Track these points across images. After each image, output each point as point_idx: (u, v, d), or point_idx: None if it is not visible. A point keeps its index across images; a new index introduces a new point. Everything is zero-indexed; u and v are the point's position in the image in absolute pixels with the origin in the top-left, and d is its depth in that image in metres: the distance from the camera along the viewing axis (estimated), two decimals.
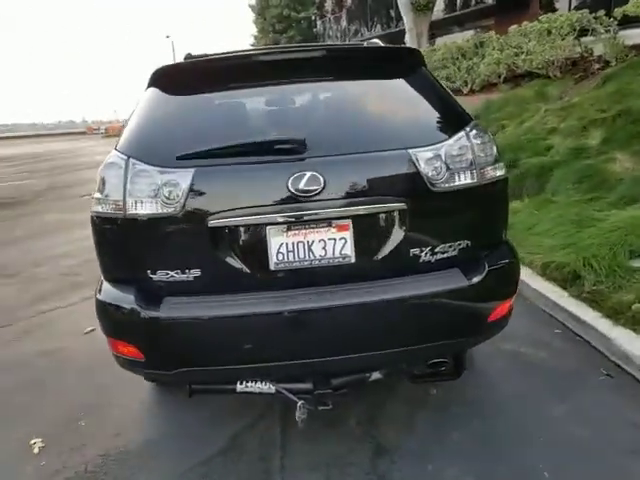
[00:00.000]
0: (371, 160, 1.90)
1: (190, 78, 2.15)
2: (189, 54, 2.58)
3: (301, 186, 1.79)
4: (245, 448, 2.25)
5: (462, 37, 12.31)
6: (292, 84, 2.23)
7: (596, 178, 4.81)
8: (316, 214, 1.84)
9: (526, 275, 3.68)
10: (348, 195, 1.86)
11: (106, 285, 1.98)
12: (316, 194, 1.80)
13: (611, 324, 2.79)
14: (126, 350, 1.92)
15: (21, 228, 7.22)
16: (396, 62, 2.27)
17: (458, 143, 1.95)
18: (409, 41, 15.95)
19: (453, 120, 2.07)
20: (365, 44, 2.64)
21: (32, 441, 2.34)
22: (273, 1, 28.43)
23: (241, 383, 2.02)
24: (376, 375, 2.09)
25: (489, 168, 1.99)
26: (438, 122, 2.08)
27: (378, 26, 24.29)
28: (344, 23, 26.77)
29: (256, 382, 2.02)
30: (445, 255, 1.95)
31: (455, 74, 10.99)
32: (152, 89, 2.14)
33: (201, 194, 1.83)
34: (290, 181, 1.79)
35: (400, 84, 2.24)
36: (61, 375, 2.96)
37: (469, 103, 9.86)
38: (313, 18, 28.92)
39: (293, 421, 2.07)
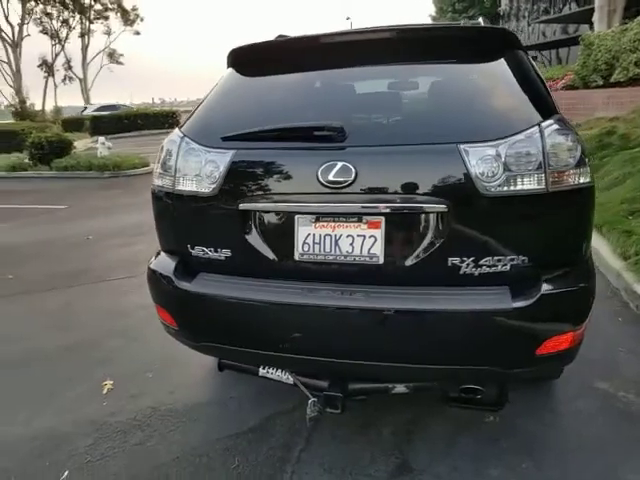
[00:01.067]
0: (411, 153, 1.72)
1: (260, 59, 2.19)
2: (281, 35, 2.59)
3: (330, 177, 1.71)
4: (274, 432, 2.28)
5: None
6: (357, 68, 2.09)
7: None
8: (345, 207, 1.75)
9: None
10: (383, 190, 1.72)
11: (161, 254, 2.15)
12: (347, 186, 1.70)
13: None
14: (165, 317, 2.08)
15: None
16: (480, 44, 1.98)
17: (526, 141, 1.65)
18: (597, 20, 13.97)
19: (528, 113, 1.74)
20: (462, 23, 2.37)
21: (104, 382, 2.68)
22: None
23: (263, 368, 2.04)
24: (401, 389, 1.93)
25: (567, 174, 1.66)
26: (508, 114, 1.77)
27: (573, 3, 21.89)
28: (531, 1, 24.60)
29: (276, 370, 2.02)
30: (492, 270, 1.69)
31: None
32: (229, 70, 2.23)
33: (236, 176, 1.86)
34: (320, 171, 1.72)
35: (477, 69, 1.97)
36: (155, 328, 3.30)
37: None
38: None
39: (327, 415, 1.99)
